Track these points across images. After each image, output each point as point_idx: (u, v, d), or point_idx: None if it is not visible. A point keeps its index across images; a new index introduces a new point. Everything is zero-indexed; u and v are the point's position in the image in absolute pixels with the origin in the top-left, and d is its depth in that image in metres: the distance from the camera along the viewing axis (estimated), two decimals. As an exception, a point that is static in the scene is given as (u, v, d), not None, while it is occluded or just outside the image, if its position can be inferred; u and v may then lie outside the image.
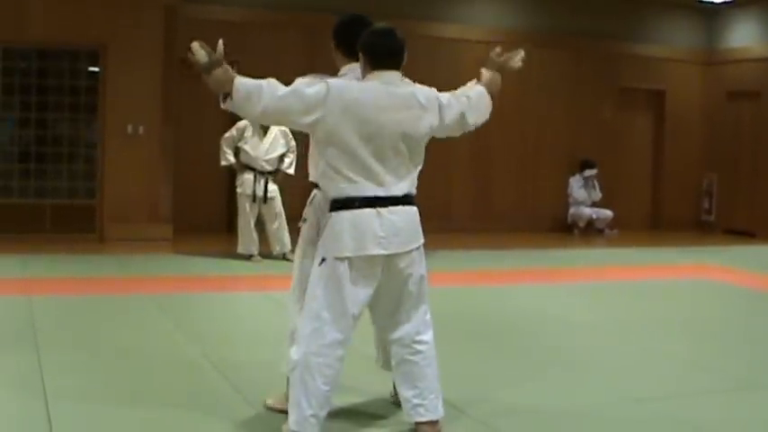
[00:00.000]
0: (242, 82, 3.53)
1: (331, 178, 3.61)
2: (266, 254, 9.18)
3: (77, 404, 4.13)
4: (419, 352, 3.71)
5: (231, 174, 11.41)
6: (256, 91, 3.52)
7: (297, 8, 11.20)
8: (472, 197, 12.78)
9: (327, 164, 3.61)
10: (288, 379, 3.78)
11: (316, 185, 3.93)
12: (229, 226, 11.50)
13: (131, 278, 8.08)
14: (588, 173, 13.11)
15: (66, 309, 6.48)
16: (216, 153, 11.58)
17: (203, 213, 11.36)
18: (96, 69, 10.44)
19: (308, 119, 3.55)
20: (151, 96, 10.36)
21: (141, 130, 10.30)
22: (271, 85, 3.54)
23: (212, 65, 3.57)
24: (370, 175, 3.57)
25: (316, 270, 3.63)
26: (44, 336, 5.47)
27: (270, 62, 11.03)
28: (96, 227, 10.30)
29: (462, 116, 3.84)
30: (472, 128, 3.94)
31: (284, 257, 9.13)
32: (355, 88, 3.61)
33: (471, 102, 3.88)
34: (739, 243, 12.66)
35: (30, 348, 5.12)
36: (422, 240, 3.73)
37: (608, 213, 13.19)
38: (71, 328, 5.87)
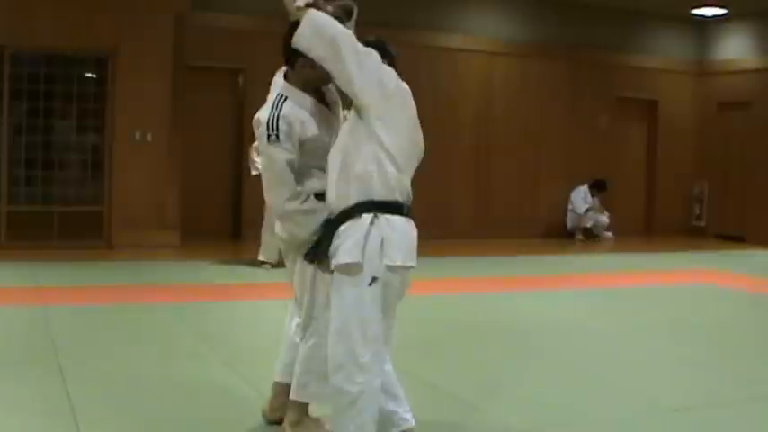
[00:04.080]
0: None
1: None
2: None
3: (105, 418, 4.06)
4: (387, 362, 3.58)
5: (237, 180, 11.53)
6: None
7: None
8: (472, 204, 12.93)
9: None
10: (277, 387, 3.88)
11: None
12: (235, 232, 11.60)
13: (145, 286, 8.07)
14: (598, 194, 13.36)
15: (84, 319, 6.39)
16: (221, 159, 11.70)
17: (210, 220, 11.43)
18: (94, 76, 10.48)
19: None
20: (159, 103, 10.41)
21: (149, 136, 10.36)
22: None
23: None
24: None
25: (366, 291, 3.29)
26: (64, 348, 5.38)
27: (276, 69, 11.13)
28: (104, 233, 10.33)
29: None
30: None
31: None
32: None
33: None
34: (731, 248, 12.92)
35: (51, 361, 5.02)
36: None
37: (604, 220, 13.45)
38: (91, 339, 5.78)
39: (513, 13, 13.06)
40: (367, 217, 3.30)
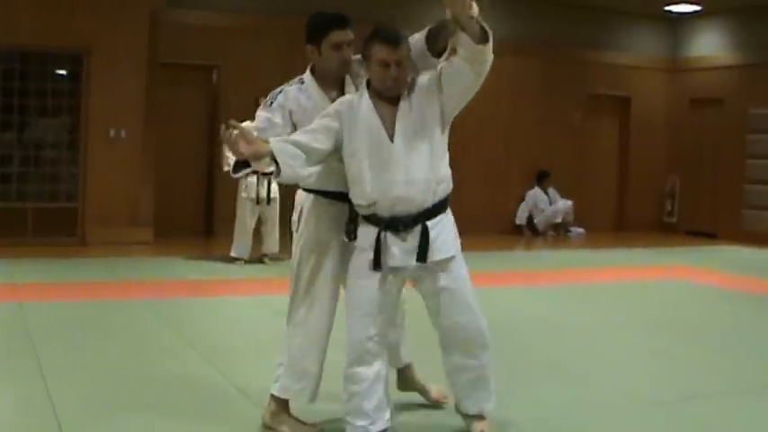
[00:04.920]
0: None
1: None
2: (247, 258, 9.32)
3: (85, 414, 4.11)
4: None
5: (210, 177, 11.54)
6: None
7: (277, 13, 11.26)
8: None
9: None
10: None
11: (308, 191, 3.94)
12: (208, 228, 11.62)
13: (119, 282, 8.09)
14: (544, 183, 13.44)
15: (60, 315, 6.39)
16: (194, 156, 11.70)
17: (182, 216, 11.42)
18: (68, 72, 10.47)
19: None
20: (134, 100, 10.39)
21: (123, 133, 10.34)
22: None
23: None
24: None
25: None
26: (42, 344, 5.42)
27: (250, 66, 11.18)
28: (78, 230, 10.33)
29: None
30: None
31: (262, 259, 9.30)
32: None
33: None
34: (702, 244, 13.06)
35: (29, 357, 5.07)
36: None
37: (568, 203, 13.48)
38: (68, 334, 5.80)
39: (487, 9, 13.09)
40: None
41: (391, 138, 3.63)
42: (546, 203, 13.40)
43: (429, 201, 3.67)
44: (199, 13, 11.20)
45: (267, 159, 3.51)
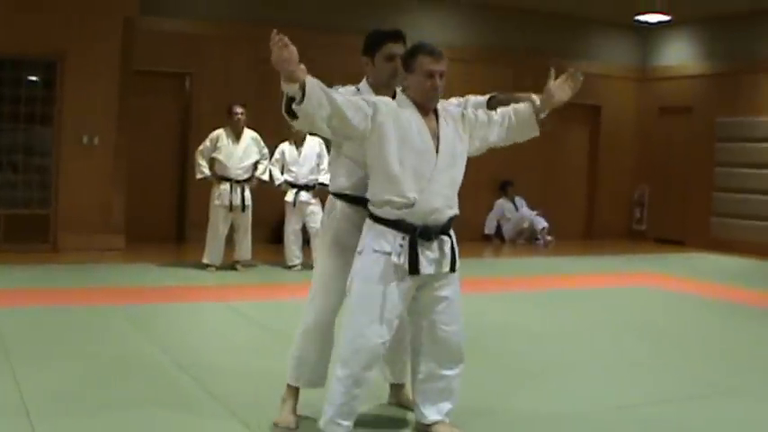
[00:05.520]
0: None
1: None
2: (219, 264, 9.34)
3: (59, 418, 4.14)
4: None
5: (182, 184, 11.57)
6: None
7: (250, 21, 11.30)
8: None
9: None
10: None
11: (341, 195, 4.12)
12: (180, 235, 11.64)
13: (92, 289, 8.09)
14: (509, 192, 13.53)
15: (33, 321, 6.38)
16: (167, 163, 11.73)
17: (154, 223, 11.44)
18: (37, 80, 10.44)
19: None
20: (107, 107, 10.40)
21: (96, 140, 10.34)
22: None
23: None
24: None
25: None
26: (15, 349, 5.42)
27: (223, 73, 11.22)
28: (50, 236, 10.31)
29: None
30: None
31: (234, 266, 9.34)
32: None
33: None
34: (671, 251, 13.23)
35: (2, 363, 5.08)
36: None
37: (534, 213, 13.55)
38: (41, 340, 5.81)
39: (457, 17, 13.21)
40: None
41: (436, 148, 3.79)
42: (513, 212, 13.52)
43: (450, 214, 3.88)
44: (172, 21, 11.22)
45: (296, 87, 3.47)
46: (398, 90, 3.90)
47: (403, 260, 3.71)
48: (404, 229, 3.74)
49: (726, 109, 13.42)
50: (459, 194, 4.00)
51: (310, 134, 9.14)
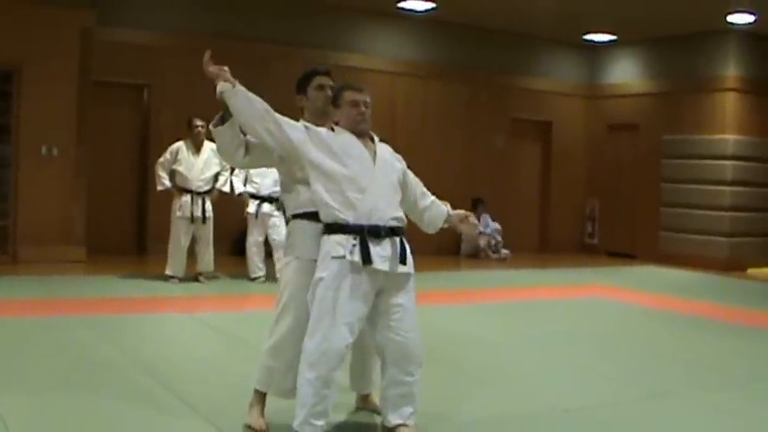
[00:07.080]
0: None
1: None
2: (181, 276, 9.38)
3: (31, 429, 4.17)
4: None
5: (142, 195, 11.59)
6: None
7: (208, 33, 11.35)
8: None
9: None
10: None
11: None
12: (140, 247, 11.63)
13: (54, 300, 8.06)
14: (481, 209, 13.70)
15: None
16: (127, 174, 11.72)
17: (115, 235, 11.45)
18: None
19: None
20: (66, 117, 10.40)
21: (55, 151, 10.34)
22: None
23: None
24: None
25: None
26: None
27: (182, 86, 11.19)
28: (9, 248, 10.27)
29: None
30: None
31: (197, 278, 9.41)
32: None
33: None
34: (622, 264, 13.55)
35: None
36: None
37: (495, 226, 13.74)
38: (5, 352, 5.78)
39: (414, 33, 13.35)
40: None
41: (374, 160, 4.11)
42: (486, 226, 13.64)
43: (394, 214, 4.10)
44: (130, 32, 11.23)
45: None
46: (333, 125, 4.19)
47: (357, 257, 3.93)
48: (353, 230, 3.97)
49: (671, 127, 13.80)
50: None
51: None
